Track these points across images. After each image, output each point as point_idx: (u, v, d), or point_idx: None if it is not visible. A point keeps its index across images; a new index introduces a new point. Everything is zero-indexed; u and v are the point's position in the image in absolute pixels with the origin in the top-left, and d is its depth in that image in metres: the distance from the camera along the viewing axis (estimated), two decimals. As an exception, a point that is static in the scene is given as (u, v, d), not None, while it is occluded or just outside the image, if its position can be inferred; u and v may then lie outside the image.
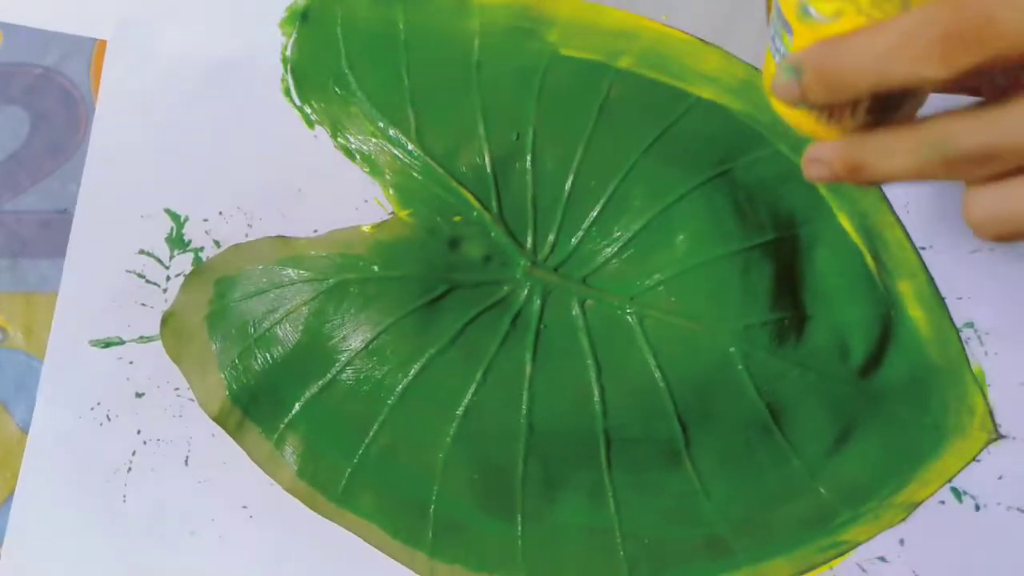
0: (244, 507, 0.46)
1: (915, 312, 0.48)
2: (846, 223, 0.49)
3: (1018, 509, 0.45)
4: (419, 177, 0.49)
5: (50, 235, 0.49)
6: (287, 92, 0.51)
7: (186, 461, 0.47)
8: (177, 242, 0.49)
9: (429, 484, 0.45)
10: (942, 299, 0.48)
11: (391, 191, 0.49)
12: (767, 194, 0.48)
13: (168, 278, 0.49)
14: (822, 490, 0.46)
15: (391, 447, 0.46)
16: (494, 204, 0.48)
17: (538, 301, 0.47)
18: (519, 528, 0.45)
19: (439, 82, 0.50)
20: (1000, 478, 0.46)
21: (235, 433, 0.47)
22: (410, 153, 0.49)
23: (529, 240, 0.48)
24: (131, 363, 0.48)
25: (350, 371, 0.46)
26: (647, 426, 0.45)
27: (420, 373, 0.46)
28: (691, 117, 0.49)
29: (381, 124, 0.50)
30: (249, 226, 0.49)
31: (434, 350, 0.46)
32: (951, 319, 0.48)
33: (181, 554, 0.46)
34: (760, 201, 0.48)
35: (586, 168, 0.48)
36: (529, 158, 0.48)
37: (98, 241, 0.49)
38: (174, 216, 0.50)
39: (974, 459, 0.46)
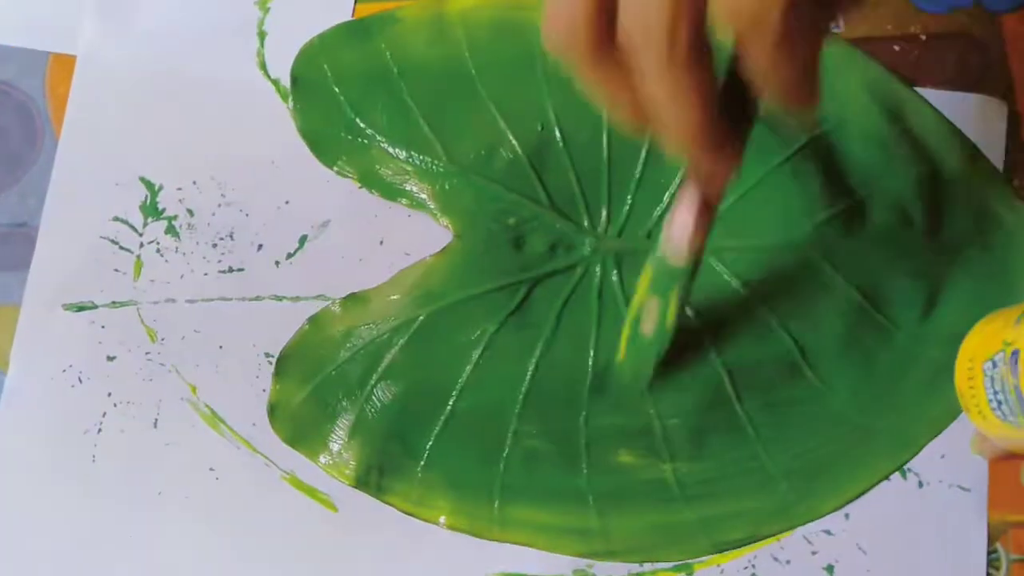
0: (211, 469, 0.47)
1: (952, 161, 0.49)
2: (862, 102, 0.49)
3: (959, 487, 0.47)
4: (461, 192, 0.49)
5: (9, 249, 0.49)
6: (263, 66, 0.51)
7: (155, 424, 0.47)
8: (151, 210, 0.50)
9: (578, 471, 0.46)
10: (970, 141, 0.49)
11: (439, 216, 0.49)
12: None
13: (141, 244, 0.49)
14: (932, 351, 0.47)
15: (532, 452, 0.46)
16: (542, 195, 0.48)
17: (615, 271, 0.47)
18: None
19: (446, 97, 0.49)
20: (943, 457, 0.47)
21: (378, 493, 0.46)
22: (444, 172, 0.49)
23: (585, 218, 0.48)
24: (103, 327, 0.49)
25: (466, 397, 0.46)
26: (759, 350, 0.46)
27: (534, 375, 0.46)
28: None
29: (405, 155, 0.49)
30: (222, 195, 0.50)
31: (539, 350, 0.46)
32: (983, 154, 0.49)
33: (148, 513, 0.46)
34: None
35: (616, 131, 0.48)
36: (560, 139, 0.48)
37: (72, 207, 0.50)
38: (148, 184, 0.50)
39: None
